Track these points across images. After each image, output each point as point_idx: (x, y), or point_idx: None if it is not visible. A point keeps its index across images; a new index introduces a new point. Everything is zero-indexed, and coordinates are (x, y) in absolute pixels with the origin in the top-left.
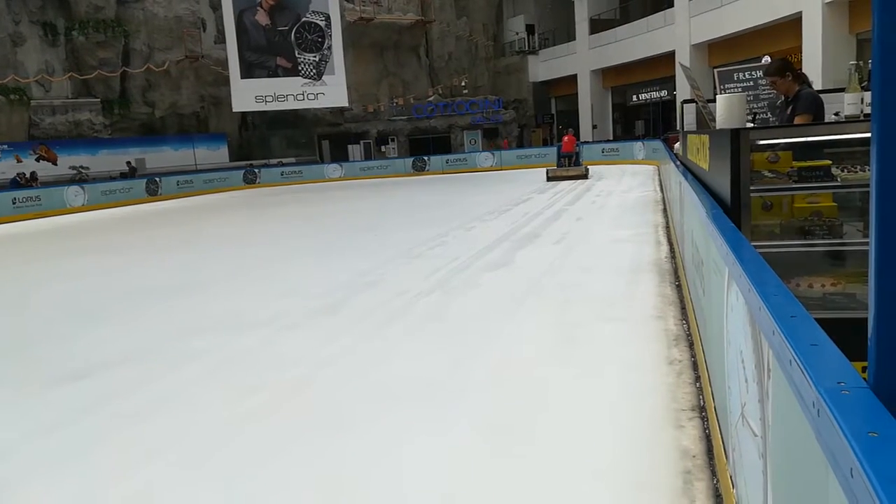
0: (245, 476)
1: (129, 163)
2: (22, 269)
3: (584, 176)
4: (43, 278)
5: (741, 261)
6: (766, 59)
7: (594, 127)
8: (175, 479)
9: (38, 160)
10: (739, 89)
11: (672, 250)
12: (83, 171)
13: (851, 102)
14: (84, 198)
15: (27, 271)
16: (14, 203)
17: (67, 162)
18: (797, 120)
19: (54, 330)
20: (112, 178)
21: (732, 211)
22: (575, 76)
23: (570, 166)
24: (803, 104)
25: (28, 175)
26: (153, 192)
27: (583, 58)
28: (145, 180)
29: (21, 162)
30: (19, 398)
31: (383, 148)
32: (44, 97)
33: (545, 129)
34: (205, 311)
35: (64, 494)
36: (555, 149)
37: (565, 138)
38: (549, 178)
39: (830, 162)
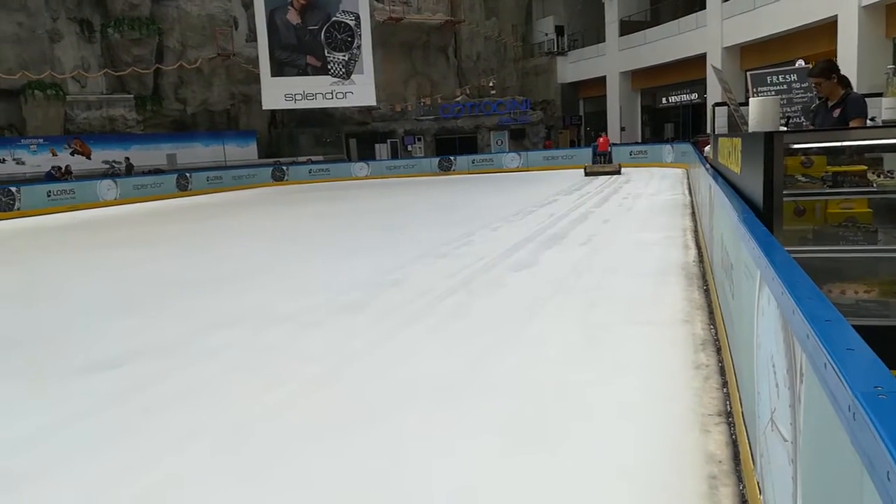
0: (269, 468)
1: (127, 158)
2: (54, 260)
3: (618, 171)
4: (74, 270)
5: (774, 264)
6: (800, 63)
7: (622, 129)
8: (199, 472)
9: (72, 154)
10: (773, 93)
11: (700, 254)
12: (116, 165)
13: (890, 107)
14: (116, 192)
15: (59, 263)
16: (49, 196)
17: (101, 156)
18: (852, 124)
19: (84, 320)
20: (144, 173)
21: (765, 215)
22: (604, 78)
23: (604, 163)
24: (856, 108)
25: (63, 169)
26: (184, 187)
27: (612, 59)
28: (176, 175)
29: (56, 156)
30: (49, 386)
31: (410, 147)
32: (79, 93)
33: (573, 131)
34: (232, 304)
35: (89, 483)
36: (582, 150)
37: (600, 139)
38: (587, 174)
39: (866, 167)
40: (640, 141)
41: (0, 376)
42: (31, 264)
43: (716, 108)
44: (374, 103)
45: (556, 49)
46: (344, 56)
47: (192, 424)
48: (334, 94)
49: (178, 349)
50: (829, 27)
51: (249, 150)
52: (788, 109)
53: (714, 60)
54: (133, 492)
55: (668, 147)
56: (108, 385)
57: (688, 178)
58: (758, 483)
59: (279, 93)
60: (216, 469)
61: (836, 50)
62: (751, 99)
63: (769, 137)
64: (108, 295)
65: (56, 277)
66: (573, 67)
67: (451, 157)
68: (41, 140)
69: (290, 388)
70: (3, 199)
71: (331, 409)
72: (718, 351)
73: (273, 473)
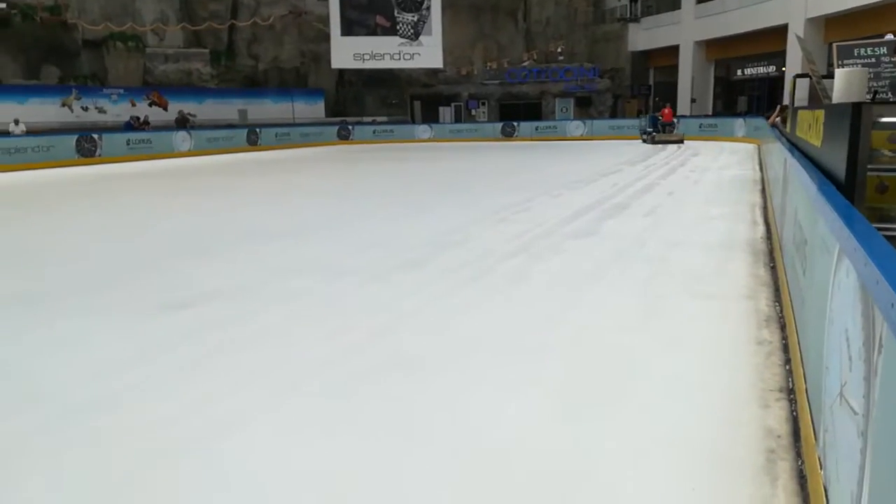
0: (327, 409)
1: (182, 111)
2: (136, 205)
3: (681, 141)
4: (155, 215)
5: (856, 234)
6: (890, 37)
7: (693, 101)
8: (263, 408)
9: (150, 105)
10: (859, 65)
11: (769, 231)
12: (191, 117)
13: None
14: (191, 143)
15: (141, 208)
16: (128, 144)
17: (176, 109)
18: None
19: (161, 262)
20: (217, 127)
21: (846, 188)
22: (677, 47)
23: (668, 134)
24: None
25: (141, 119)
26: (253, 142)
27: (687, 28)
28: (247, 130)
29: (135, 106)
30: (130, 322)
31: (473, 111)
32: (158, 46)
33: (640, 101)
34: (300, 255)
35: (161, 416)
36: (646, 120)
37: (665, 110)
38: (654, 142)
39: None
40: (710, 114)
41: (90, 310)
42: (116, 208)
43: (797, 79)
44: (440, 66)
45: (628, 15)
46: (413, 17)
47: (261, 363)
48: (402, 55)
49: (250, 294)
50: None
51: (317, 109)
52: (875, 84)
53: (796, 32)
54: (203, 420)
55: (740, 121)
56: (186, 323)
57: (759, 154)
58: (819, 458)
59: (348, 52)
60: (277, 407)
61: None
62: (836, 70)
63: (857, 108)
64: (186, 239)
65: (138, 221)
66: (645, 35)
67: (515, 123)
68: (121, 90)
69: (352, 336)
70: (86, 146)
71: (389, 359)
72: (783, 328)
73: (330, 413)
